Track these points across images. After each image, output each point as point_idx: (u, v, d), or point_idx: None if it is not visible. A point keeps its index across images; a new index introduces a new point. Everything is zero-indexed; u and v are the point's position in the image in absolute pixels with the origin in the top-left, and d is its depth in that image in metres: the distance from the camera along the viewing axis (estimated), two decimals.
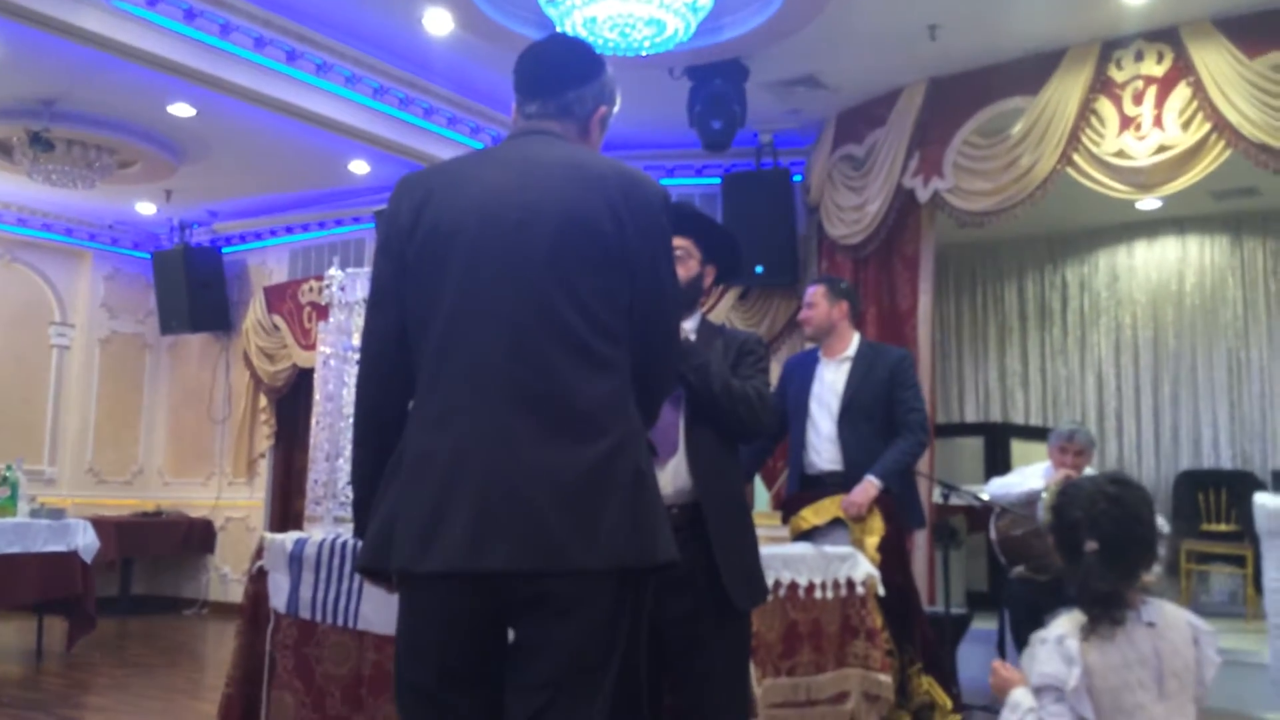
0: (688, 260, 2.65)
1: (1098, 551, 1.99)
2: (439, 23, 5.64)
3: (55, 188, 7.22)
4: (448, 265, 1.84)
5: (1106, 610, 1.96)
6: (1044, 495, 4.60)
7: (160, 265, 9.16)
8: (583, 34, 4.79)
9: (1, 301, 8.91)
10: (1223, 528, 7.02)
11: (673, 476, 2.49)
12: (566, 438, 1.76)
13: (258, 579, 3.13)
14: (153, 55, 5.46)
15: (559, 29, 4.82)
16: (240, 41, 5.73)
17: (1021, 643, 4.62)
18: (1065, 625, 2.00)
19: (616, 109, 2.10)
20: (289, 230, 9.09)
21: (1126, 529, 2.02)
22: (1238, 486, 7.14)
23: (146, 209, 8.75)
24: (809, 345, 4.47)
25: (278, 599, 3.04)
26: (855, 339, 4.32)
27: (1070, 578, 2.07)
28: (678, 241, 2.56)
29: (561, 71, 2.01)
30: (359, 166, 7.53)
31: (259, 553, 3.14)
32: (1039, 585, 4.69)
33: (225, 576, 9.08)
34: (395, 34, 5.86)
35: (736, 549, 2.49)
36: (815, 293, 4.34)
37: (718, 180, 7.24)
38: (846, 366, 4.24)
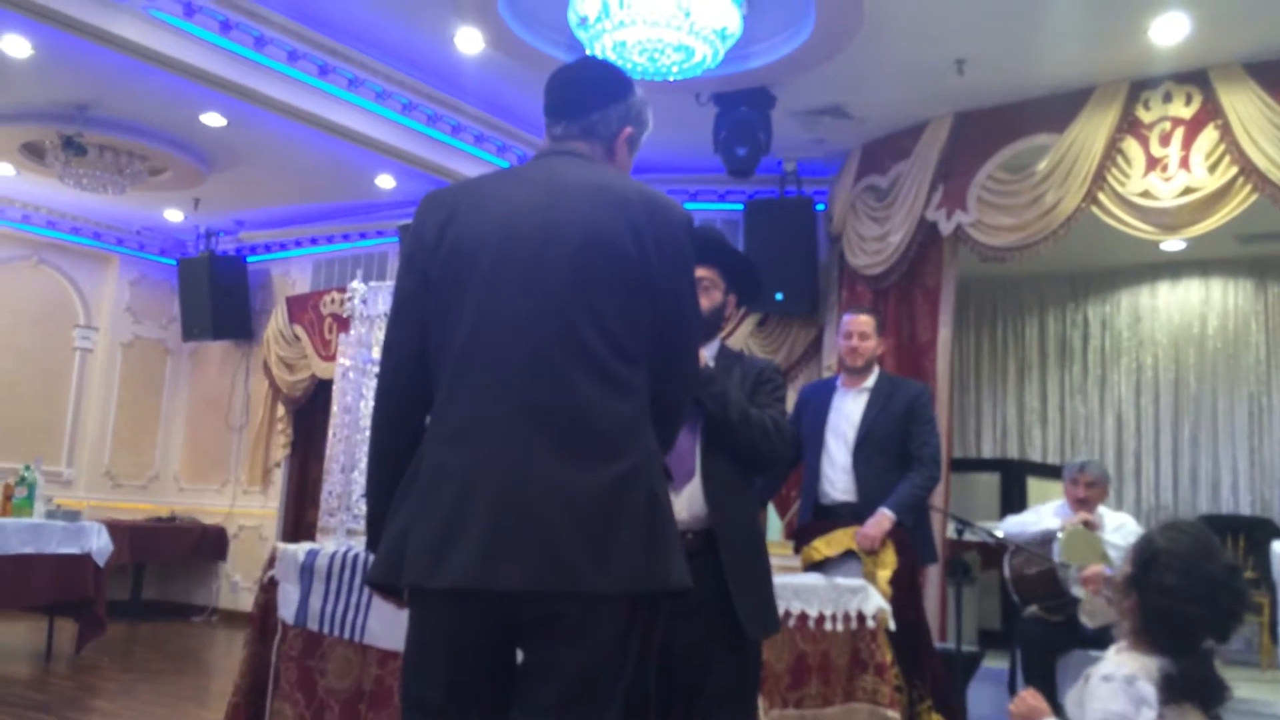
0: (712, 290, 2.65)
1: (1213, 648, 1.94)
2: (470, 42, 5.69)
3: (85, 192, 7.30)
4: (470, 282, 1.85)
5: (1215, 704, 1.91)
6: (1059, 535, 4.57)
7: (185, 272, 9.24)
8: (612, 58, 4.81)
9: (27, 302, 9.01)
10: None
11: (688, 502, 2.48)
12: (583, 458, 1.75)
13: (269, 588, 3.13)
14: (187, 65, 5.52)
15: (589, 52, 4.84)
16: (274, 54, 5.79)
17: (1033, 682, 4.56)
18: (1132, 665, 1.93)
19: (649, 131, 2.11)
20: (313, 241, 9.17)
21: (1240, 620, 1.98)
22: (1256, 533, 7.04)
23: (174, 216, 8.84)
24: (827, 374, 4.46)
25: (286, 609, 3.05)
26: (875, 371, 4.32)
27: (1152, 642, 1.96)
28: (702, 271, 2.56)
29: (586, 93, 2.03)
30: (385, 181, 7.59)
31: (271, 562, 3.15)
32: (1052, 625, 4.66)
33: (236, 585, 9.10)
34: (427, 51, 5.92)
35: (749, 577, 2.47)
36: (870, 323, 4.31)
37: (740, 206, 7.26)
38: (865, 398, 4.23)
